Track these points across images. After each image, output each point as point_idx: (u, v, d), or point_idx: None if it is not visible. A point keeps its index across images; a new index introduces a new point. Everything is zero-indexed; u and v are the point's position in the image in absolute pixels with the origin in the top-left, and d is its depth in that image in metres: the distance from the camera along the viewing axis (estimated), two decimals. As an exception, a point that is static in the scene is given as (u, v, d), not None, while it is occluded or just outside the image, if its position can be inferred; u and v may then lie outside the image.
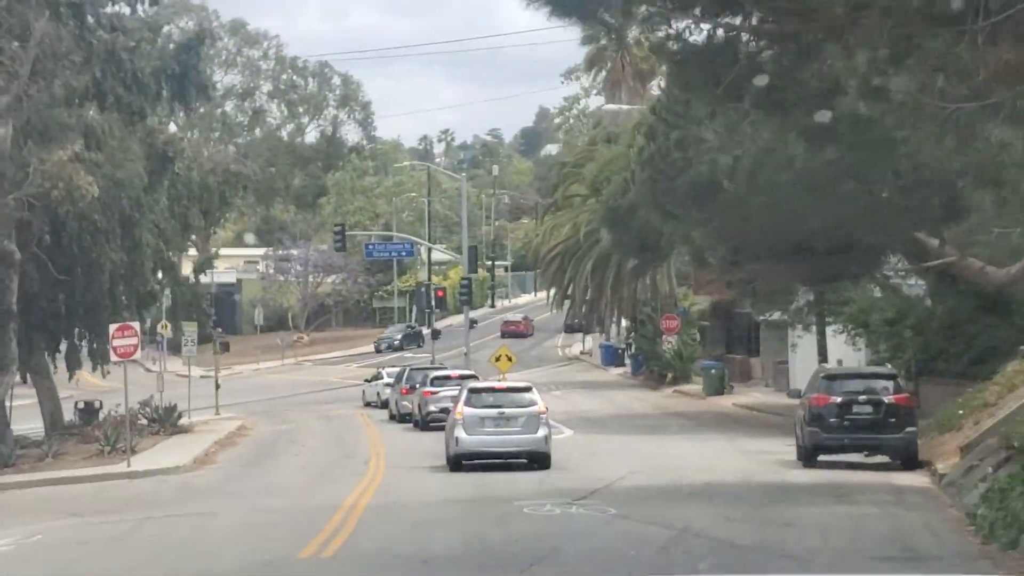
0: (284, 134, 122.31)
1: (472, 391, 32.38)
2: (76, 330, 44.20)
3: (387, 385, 57.25)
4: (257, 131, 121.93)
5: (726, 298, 71.37)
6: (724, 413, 51.65)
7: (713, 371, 59.53)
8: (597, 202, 68.81)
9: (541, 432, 31.11)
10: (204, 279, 61.50)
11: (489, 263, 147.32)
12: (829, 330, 47.10)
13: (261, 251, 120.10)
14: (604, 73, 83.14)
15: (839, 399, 29.27)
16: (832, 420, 29.15)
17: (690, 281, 73.88)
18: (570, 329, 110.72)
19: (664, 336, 65.12)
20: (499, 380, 40.42)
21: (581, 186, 72.94)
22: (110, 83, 44.92)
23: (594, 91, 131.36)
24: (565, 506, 23.89)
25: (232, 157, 53.82)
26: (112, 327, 36.09)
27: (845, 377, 31.26)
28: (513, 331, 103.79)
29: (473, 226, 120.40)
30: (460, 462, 31.50)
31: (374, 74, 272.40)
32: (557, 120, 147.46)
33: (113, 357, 36.71)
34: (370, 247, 77.23)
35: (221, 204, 49.71)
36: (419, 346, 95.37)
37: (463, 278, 73.83)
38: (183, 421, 50.39)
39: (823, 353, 47.71)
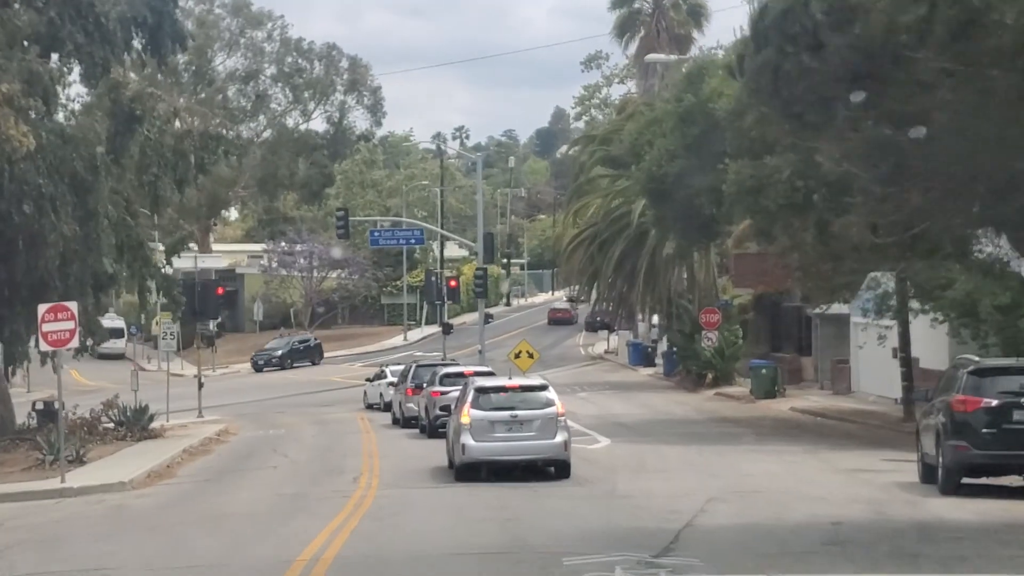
0: (289, 121, 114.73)
1: (480, 391, 28.43)
2: (20, 316, 36.99)
3: (390, 385, 50.23)
4: (261, 118, 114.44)
5: (771, 290, 64.21)
6: (783, 419, 44.47)
7: (764, 371, 52.28)
8: (629, 180, 61.66)
9: (560, 437, 27.53)
10: (180, 263, 54.06)
11: (505, 260, 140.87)
12: (918, 321, 39.70)
13: (260, 247, 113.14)
14: (636, 42, 75.80)
15: (994, 402, 21.92)
16: (986, 431, 21.79)
17: (729, 272, 66.62)
18: (592, 327, 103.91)
19: (703, 332, 57.84)
20: (509, 377, 34.29)
21: (605, 168, 65.87)
22: (68, 29, 38.19)
23: (615, 80, 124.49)
24: (645, 569, 15.81)
25: (211, 117, 45.97)
26: (41, 308, 29.02)
27: (1000, 372, 23.03)
28: (560, 318, 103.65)
29: (488, 223, 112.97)
30: (467, 472, 27.77)
31: (387, 76, 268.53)
32: (576, 111, 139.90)
33: (43, 346, 29.58)
34: (375, 234, 69.96)
35: (198, 172, 42.38)
36: (313, 363, 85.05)
37: (478, 268, 66.82)
38: (156, 424, 43.83)
39: (906, 349, 40.41)
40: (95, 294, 38.40)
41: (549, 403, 27.95)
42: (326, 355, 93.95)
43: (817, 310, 55.48)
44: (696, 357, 59.56)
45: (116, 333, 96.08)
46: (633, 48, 77.11)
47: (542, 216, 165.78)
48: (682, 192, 39.02)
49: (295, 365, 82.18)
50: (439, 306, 73.19)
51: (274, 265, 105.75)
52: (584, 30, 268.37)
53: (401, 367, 49.82)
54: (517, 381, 30.06)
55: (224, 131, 43.71)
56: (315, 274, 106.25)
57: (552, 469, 27.77)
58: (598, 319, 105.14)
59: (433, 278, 67.34)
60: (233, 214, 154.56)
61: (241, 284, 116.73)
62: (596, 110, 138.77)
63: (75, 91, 45.45)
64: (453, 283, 66.49)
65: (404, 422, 44.76)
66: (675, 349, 64.18)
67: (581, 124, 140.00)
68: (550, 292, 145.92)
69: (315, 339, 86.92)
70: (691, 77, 38.19)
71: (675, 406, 51.24)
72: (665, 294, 62.96)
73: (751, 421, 43.58)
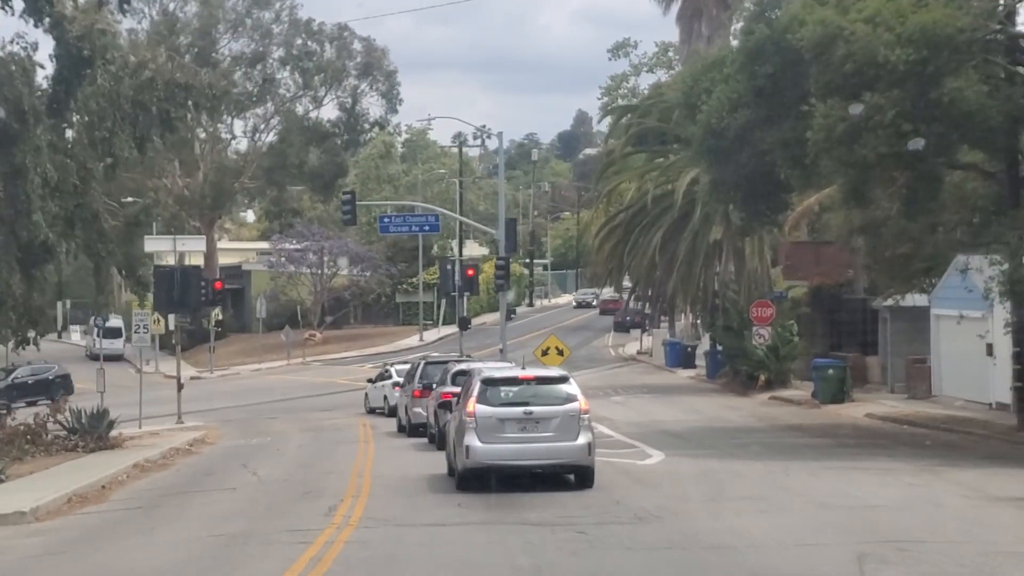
0: (299, 108, 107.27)
1: (487, 383, 24.17)
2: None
3: (395, 386, 43.12)
4: (270, 105, 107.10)
5: (830, 282, 56.89)
6: (862, 428, 37.18)
7: (831, 371, 44.98)
8: (677, 153, 54.56)
9: (582, 438, 23.38)
10: (154, 246, 46.92)
11: (527, 259, 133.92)
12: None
13: (265, 244, 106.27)
14: (678, 3, 68.34)
15: None
16: None
17: (780, 260, 59.26)
18: (621, 326, 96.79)
19: (754, 328, 50.45)
20: (523, 367, 29.56)
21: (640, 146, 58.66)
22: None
23: (644, 69, 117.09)
24: None
25: (179, 64, 38.61)
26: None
27: None
28: (611, 308, 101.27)
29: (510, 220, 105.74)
30: (471, 480, 23.67)
31: (410, 80, 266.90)
32: (603, 100, 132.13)
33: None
34: (386, 220, 62.66)
35: (164, 129, 35.24)
36: (51, 399, 48.59)
37: (499, 258, 59.66)
38: (121, 432, 37.26)
39: (1021, 343, 33.06)
40: (24, 269, 31.25)
41: (570, 398, 23.60)
42: (340, 355, 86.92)
43: (887, 302, 48.33)
44: (746, 356, 52.21)
45: (114, 333, 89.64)
46: (675, 9, 69.56)
47: (566, 213, 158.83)
48: (748, 150, 31.63)
49: (15, 405, 49.17)
50: (455, 299, 65.81)
51: (282, 260, 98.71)
52: (603, 35, 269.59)
53: (407, 365, 42.69)
54: (532, 372, 25.65)
55: (203, 82, 36.06)
56: (325, 270, 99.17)
57: (572, 477, 23.55)
58: (627, 318, 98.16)
59: (449, 267, 59.98)
60: (250, 216, 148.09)
61: (248, 281, 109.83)
62: (624, 100, 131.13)
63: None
64: (471, 272, 59.18)
65: (411, 430, 37.70)
66: (720, 348, 56.85)
67: (606, 124, 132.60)
68: (574, 293, 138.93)
69: (59, 370, 63.00)
70: (763, 3, 30.84)
71: (728, 411, 43.98)
72: (710, 286, 55.65)
73: (825, 430, 36.29)
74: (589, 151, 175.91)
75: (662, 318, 70.93)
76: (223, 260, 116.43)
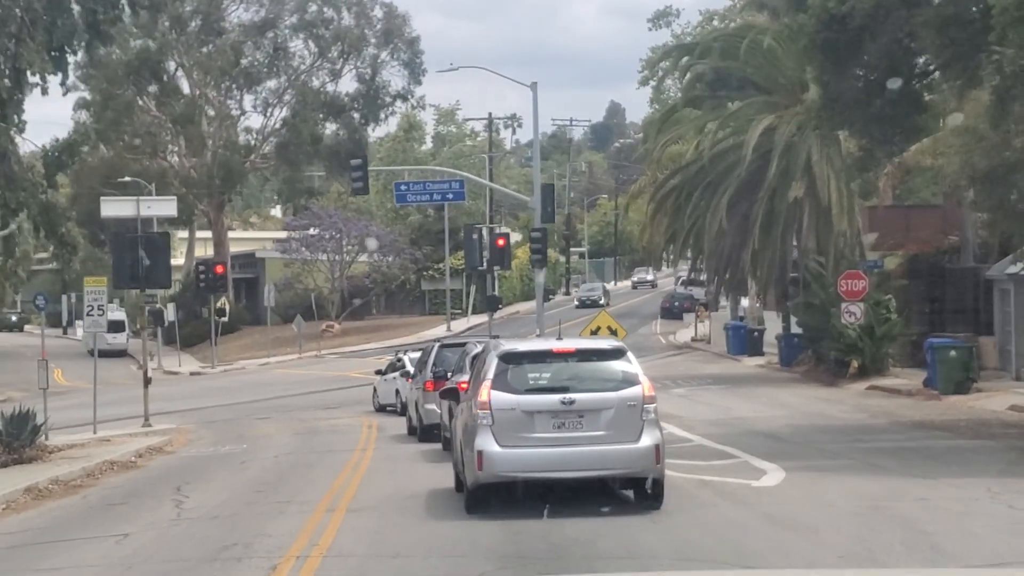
0: (315, 81, 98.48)
1: (507, 359, 16.81)
2: None
3: (405, 376, 34.41)
4: (283, 78, 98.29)
5: (929, 248, 47.89)
6: (1016, 424, 28.16)
7: (953, 353, 35.84)
8: (746, 98, 45.91)
9: (648, 438, 16.24)
10: (114, 210, 38.02)
11: (563, 243, 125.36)
12: None
13: (281, 234, 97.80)
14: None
15: None
16: None
17: (862, 227, 50.09)
18: (669, 312, 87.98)
19: (843, 305, 41.46)
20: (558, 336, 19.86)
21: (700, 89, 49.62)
22: None
23: (688, 37, 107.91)
24: None
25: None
26: None
27: None
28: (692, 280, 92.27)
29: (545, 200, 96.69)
30: (486, 499, 16.37)
31: (440, 76, 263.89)
32: (643, 75, 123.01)
33: None
34: (403, 188, 53.65)
35: (92, 38, 26.53)
36: None
37: (534, 229, 50.73)
38: (45, 438, 29.21)
39: None
40: None
41: (628, 379, 16.67)
42: (360, 347, 78.36)
43: (1012, 268, 39.42)
44: (834, 339, 43.19)
45: (116, 327, 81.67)
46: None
47: (603, 197, 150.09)
48: (878, 45, 22.76)
49: None
50: (484, 280, 56.88)
51: (294, 245, 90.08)
52: (632, 28, 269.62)
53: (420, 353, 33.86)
54: (571, 343, 17.83)
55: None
56: (344, 256, 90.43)
57: (631, 492, 16.83)
58: (676, 303, 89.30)
59: (475, 236, 50.90)
60: (278, 211, 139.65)
61: (262, 270, 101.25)
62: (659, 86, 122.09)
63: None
64: (501, 242, 50.23)
65: (422, 432, 28.99)
66: (799, 329, 47.81)
67: (648, 89, 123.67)
68: (613, 282, 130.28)
69: None
70: None
71: (823, 405, 35.04)
72: (787, 255, 46.60)
73: (971, 428, 27.35)
74: (624, 141, 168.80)
75: (724, 299, 61.87)
76: (239, 249, 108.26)
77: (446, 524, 14.99)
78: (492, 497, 16.11)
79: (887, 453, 22.05)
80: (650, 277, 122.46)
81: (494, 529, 14.53)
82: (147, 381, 38.29)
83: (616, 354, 17.00)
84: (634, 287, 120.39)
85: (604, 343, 18.17)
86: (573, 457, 16.08)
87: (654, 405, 16.40)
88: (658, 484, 16.31)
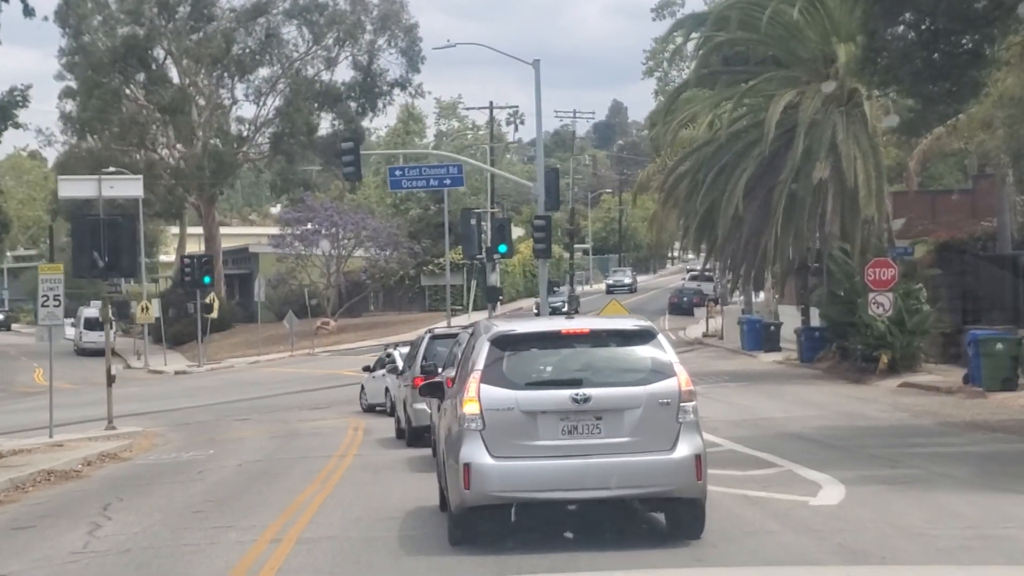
0: (309, 69, 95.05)
1: (501, 344, 13.00)
2: None
3: (394, 372, 31.13)
4: (277, 66, 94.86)
5: (961, 235, 44.54)
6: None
7: (1000, 346, 32.47)
8: (780, 62, 42.75)
9: (685, 447, 12.54)
10: (74, 190, 34.69)
11: (567, 239, 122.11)
12: None
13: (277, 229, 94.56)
14: None
15: None
16: None
17: (889, 214, 46.71)
18: (677, 308, 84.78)
19: (871, 295, 38.14)
20: (569, 316, 17.62)
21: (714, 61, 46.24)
22: None
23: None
24: None
25: None
26: None
27: None
28: (706, 275, 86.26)
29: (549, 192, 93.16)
30: (473, 526, 12.64)
31: (444, 76, 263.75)
32: (648, 65, 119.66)
33: None
34: (397, 173, 50.15)
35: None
36: None
37: (537, 217, 47.56)
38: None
39: None
40: None
41: (660, 370, 12.96)
42: (355, 344, 75.12)
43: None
44: (861, 332, 39.84)
45: (99, 325, 78.40)
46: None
47: (607, 191, 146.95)
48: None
49: None
50: (483, 272, 53.50)
51: (288, 239, 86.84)
52: (635, 27, 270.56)
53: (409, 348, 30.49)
54: (585, 323, 13.89)
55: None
56: (340, 250, 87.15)
57: (661, 516, 13.26)
58: (685, 298, 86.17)
59: (473, 221, 47.39)
60: (277, 208, 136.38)
61: (255, 265, 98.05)
62: (669, 65, 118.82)
63: None
64: (496, 211, 46.94)
65: (411, 436, 25.72)
66: (821, 322, 44.47)
67: (652, 83, 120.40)
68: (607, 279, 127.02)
69: None
70: None
71: (856, 404, 31.72)
72: (811, 242, 43.25)
73: (1033, 429, 24.02)
74: (627, 139, 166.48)
75: (739, 292, 58.53)
76: (234, 244, 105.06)
77: (422, 563, 11.70)
78: (483, 524, 12.74)
79: (952, 460, 18.72)
80: (628, 280, 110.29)
81: (484, 572, 11.26)
82: (110, 379, 35.12)
83: (644, 336, 13.33)
84: (608, 291, 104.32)
85: (628, 323, 14.08)
86: (588, 472, 12.64)
87: (693, 403, 12.86)
88: (697, 506, 12.77)
